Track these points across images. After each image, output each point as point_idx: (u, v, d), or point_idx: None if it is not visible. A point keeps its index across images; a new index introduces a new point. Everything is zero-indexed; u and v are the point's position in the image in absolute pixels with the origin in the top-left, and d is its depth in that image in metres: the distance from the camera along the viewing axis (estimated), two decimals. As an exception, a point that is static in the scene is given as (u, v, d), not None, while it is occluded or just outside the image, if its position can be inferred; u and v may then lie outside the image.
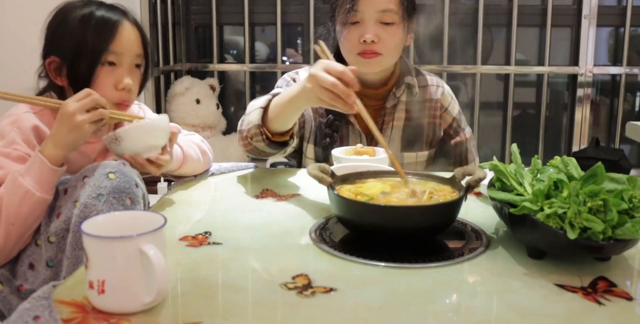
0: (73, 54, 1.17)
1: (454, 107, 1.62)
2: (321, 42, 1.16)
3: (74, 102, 1.08)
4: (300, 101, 1.16)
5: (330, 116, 1.52)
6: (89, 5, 1.21)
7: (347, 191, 1.02)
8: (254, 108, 1.27)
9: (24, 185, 1.05)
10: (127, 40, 1.20)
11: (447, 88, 1.64)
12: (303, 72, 1.59)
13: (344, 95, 1.04)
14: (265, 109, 1.25)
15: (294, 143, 1.35)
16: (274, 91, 1.51)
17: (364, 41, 1.43)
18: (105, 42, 1.17)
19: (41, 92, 1.24)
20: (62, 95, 1.22)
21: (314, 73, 1.07)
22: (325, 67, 1.06)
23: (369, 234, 0.96)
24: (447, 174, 1.06)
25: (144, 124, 1.15)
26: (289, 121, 1.25)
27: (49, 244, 1.06)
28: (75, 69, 1.18)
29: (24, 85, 1.25)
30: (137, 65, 1.24)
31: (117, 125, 1.29)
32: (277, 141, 1.29)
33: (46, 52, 1.22)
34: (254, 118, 1.25)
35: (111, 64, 1.19)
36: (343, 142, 1.54)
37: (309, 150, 1.57)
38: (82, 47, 1.17)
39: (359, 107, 1.08)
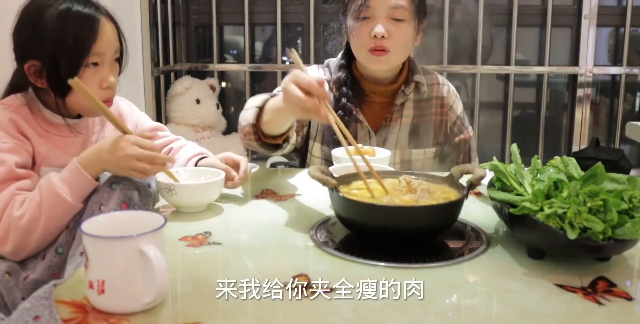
0: (54, 58, 1.13)
1: (458, 106, 1.65)
2: (293, 50, 1.13)
3: (135, 147, 1.06)
4: (285, 112, 1.14)
5: (340, 111, 1.52)
6: (60, 0, 1.15)
7: (347, 191, 1.02)
8: (251, 105, 1.27)
9: (67, 200, 1.06)
10: (107, 39, 1.17)
11: (452, 87, 1.67)
12: (311, 70, 1.60)
13: (314, 109, 1.01)
14: (262, 108, 1.25)
15: (288, 148, 1.34)
16: (278, 88, 1.51)
17: (374, 36, 1.44)
18: (88, 44, 1.14)
19: (11, 91, 1.21)
20: (40, 94, 1.20)
21: (284, 87, 1.05)
22: (294, 79, 1.03)
23: (372, 235, 0.95)
24: (446, 174, 1.06)
25: (200, 183, 1.14)
26: (281, 128, 1.25)
27: (65, 229, 1.08)
28: (58, 72, 1.14)
29: None
30: (116, 60, 1.22)
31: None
32: (270, 143, 1.28)
33: (23, 55, 1.17)
34: (249, 116, 1.25)
35: (94, 64, 1.16)
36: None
37: (316, 148, 1.57)
38: (63, 50, 1.13)
39: (335, 118, 1.06)
